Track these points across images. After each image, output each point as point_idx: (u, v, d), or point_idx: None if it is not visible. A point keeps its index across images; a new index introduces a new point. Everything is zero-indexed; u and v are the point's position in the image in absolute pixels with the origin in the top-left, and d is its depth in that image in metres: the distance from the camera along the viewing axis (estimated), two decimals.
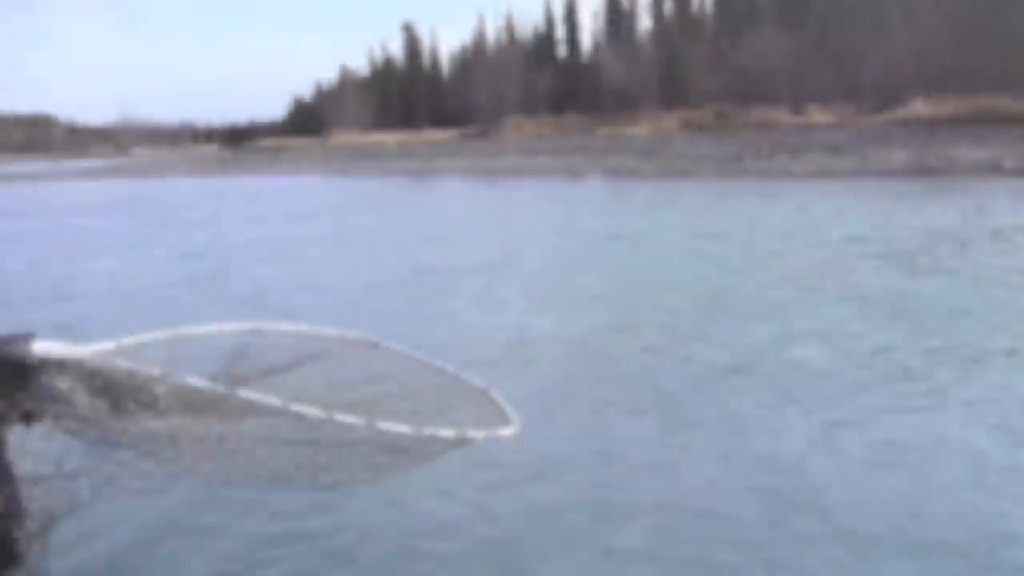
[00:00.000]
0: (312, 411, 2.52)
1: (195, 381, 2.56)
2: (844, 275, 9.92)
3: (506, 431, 2.89)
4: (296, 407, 2.50)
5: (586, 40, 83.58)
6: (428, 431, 2.65)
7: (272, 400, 2.54)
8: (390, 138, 69.39)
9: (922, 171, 25.19)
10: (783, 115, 50.60)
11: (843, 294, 8.87)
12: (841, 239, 12.77)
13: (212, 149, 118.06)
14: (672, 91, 63.23)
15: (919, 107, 43.01)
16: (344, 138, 73.74)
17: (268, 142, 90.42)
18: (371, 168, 44.34)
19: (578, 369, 6.59)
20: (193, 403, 2.69)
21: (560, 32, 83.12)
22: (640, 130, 54.90)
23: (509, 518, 4.08)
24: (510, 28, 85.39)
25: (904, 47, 47.93)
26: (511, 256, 12.79)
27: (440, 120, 79.00)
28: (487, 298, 9.46)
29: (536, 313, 8.54)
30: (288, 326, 3.23)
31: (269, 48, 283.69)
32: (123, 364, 2.54)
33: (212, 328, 3.02)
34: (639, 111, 61.29)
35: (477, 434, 2.79)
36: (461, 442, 2.72)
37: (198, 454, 2.66)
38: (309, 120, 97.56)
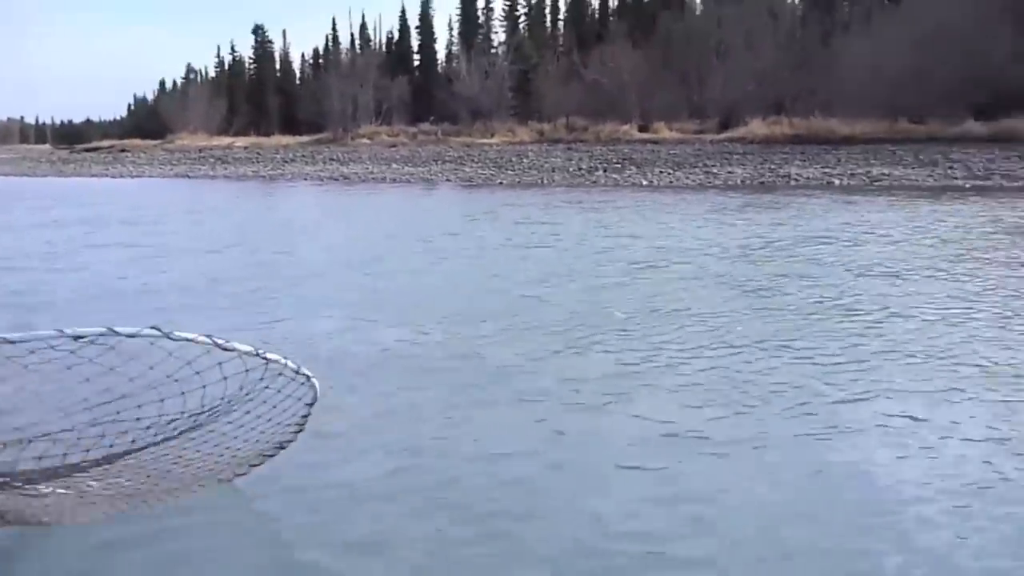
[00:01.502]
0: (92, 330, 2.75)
1: None
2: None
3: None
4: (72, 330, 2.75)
5: (441, 51, 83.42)
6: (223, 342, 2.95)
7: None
8: (239, 142, 67.08)
9: (760, 186, 26.46)
10: (632, 130, 52.07)
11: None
12: (650, 248, 13.89)
13: (44, 148, 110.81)
14: (526, 104, 64.01)
15: (757, 127, 45.22)
16: (189, 140, 70.70)
17: (107, 142, 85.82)
18: (218, 172, 42.67)
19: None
20: None
21: (415, 41, 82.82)
22: (495, 141, 55.26)
23: None
24: (364, 34, 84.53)
25: (744, 70, 50.31)
26: (317, 263, 13.03)
27: (292, 125, 76.84)
28: (246, 308, 9.54)
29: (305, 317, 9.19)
30: (46, 331, 2.96)
31: (110, 43, 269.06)
32: None
33: None
34: (493, 123, 61.73)
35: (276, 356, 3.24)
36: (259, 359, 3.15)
37: None
38: (152, 120, 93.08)
